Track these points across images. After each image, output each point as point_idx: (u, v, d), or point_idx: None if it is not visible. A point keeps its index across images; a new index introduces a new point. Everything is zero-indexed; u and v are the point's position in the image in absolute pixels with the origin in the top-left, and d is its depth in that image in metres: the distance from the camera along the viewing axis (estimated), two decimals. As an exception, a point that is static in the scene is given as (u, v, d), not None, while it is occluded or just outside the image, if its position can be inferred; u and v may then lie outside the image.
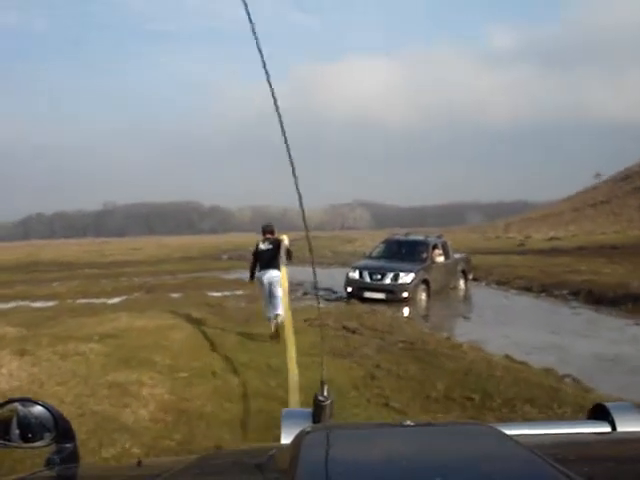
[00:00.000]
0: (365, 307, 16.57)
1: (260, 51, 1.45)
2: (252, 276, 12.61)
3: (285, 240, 11.83)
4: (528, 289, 20.53)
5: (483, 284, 23.29)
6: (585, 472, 1.09)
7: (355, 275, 19.16)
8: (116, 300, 19.92)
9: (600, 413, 1.60)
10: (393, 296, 18.24)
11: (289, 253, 11.89)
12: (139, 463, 1.56)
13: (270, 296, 11.87)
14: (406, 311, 17.20)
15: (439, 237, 21.59)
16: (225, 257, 46.13)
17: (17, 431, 1.85)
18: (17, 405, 1.89)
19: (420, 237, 21.63)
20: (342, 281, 19.51)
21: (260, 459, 1.31)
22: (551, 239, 47.75)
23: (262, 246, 12.16)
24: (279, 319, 11.66)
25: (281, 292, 11.51)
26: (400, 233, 22.94)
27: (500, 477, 1.04)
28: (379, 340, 11.56)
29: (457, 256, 21.91)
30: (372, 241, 61.16)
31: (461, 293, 21.26)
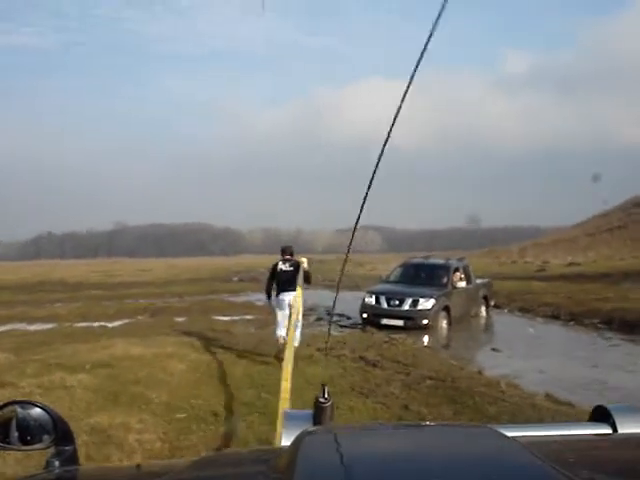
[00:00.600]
0: (383, 335, 15.38)
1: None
2: (269, 296, 12.39)
3: (304, 263, 11.64)
4: (555, 317, 19.28)
5: (505, 311, 22.04)
6: (586, 474, 1.10)
7: (371, 300, 17.98)
8: (117, 324, 18.81)
9: (601, 415, 1.56)
10: (412, 323, 17.05)
11: (308, 276, 11.56)
12: (138, 466, 1.57)
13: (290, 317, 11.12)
14: (426, 340, 16.03)
15: (460, 260, 20.40)
16: (235, 279, 45.17)
17: (16, 433, 1.83)
18: (16, 407, 1.86)
19: (440, 260, 20.45)
20: (356, 306, 18.40)
21: (260, 461, 1.33)
22: (570, 264, 46.76)
23: (282, 266, 12.05)
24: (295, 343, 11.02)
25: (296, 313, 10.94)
26: (418, 256, 21.67)
27: (500, 479, 1.03)
28: (403, 375, 10.34)
29: (479, 281, 20.68)
30: (383, 264, 61.10)
31: (483, 321, 19.99)
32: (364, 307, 18.07)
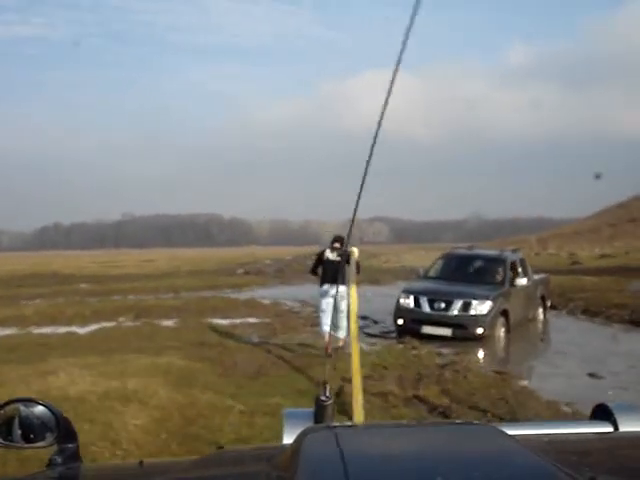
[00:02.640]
0: (431, 351, 11.62)
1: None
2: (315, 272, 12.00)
3: (355, 253, 10.15)
4: (637, 324, 15.29)
5: (564, 313, 18.11)
6: (587, 472, 1.08)
7: (409, 302, 14.04)
8: (89, 330, 15.05)
9: (602, 413, 1.55)
10: (463, 332, 13.19)
11: (359, 267, 10.15)
12: (141, 463, 1.52)
13: (335, 310, 11.37)
14: (481, 355, 12.23)
15: (515, 252, 16.47)
16: (240, 271, 41.94)
17: (19, 431, 1.80)
18: (19, 405, 1.84)
19: (493, 251, 16.51)
20: (380, 305, 14.63)
21: (262, 459, 1.32)
22: (602, 256, 43.85)
23: (329, 255, 11.53)
24: (339, 343, 11.31)
25: (345, 310, 10.65)
26: (461, 247, 17.47)
27: (501, 477, 1.03)
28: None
29: (536, 277, 16.70)
30: (396, 256, 58.51)
31: (545, 327, 16.04)
32: (400, 311, 14.14)
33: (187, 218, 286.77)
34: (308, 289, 26.16)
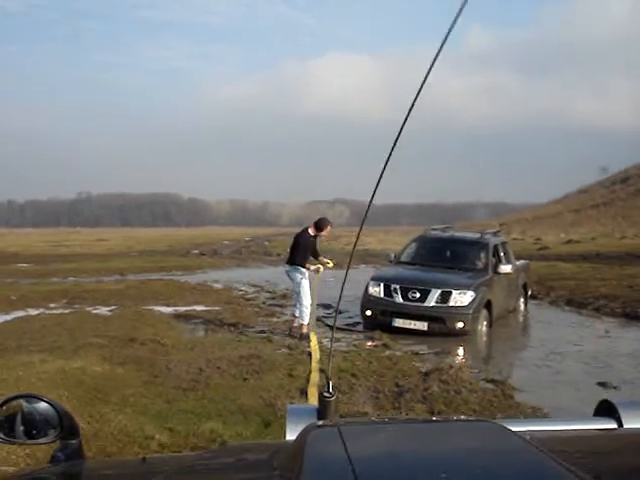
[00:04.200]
0: (406, 351, 9.82)
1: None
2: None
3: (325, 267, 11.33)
4: (632, 317, 13.55)
5: (546, 304, 16.42)
6: (591, 469, 1.08)
7: (378, 291, 12.15)
8: (9, 317, 12.95)
9: (606, 410, 1.53)
10: (441, 327, 11.39)
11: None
12: (144, 459, 1.49)
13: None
14: (460, 354, 10.45)
15: (496, 234, 14.67)
16: (195, 252, 40.04)
17: (21, 427, 1.78)
18: (22, 401, 1.82)
19: (473, 234, 14.64)
20: (344, 292, 12.66)
21: (265, 456, 1.32)
22: (569, 242, 43.31)
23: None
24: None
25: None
26: (437, 228, 15.34)
27: (505, 474, 1.03)
28: None
29: (517, 263, 14.92)
30: (357, 237, 56.63)
31: (530, 321, 14.30)
32: (368, 301, 12.25)
33: (145, 198, 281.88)
34: (265, 272, 24.45)
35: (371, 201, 1.51)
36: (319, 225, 11.32)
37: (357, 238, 1.73)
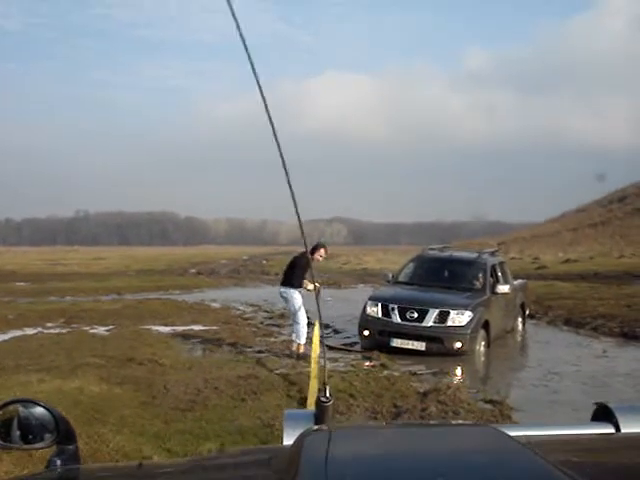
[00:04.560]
0: (404, 371, 9.82)
1: (252, 66, 1.43)
2: None
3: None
4: (630, 337, 13.59)
5: (544, 324, 16.44)
6: (588, 473, 1.09)
7: (376, 311, 12.17)
8: (4, 337, 12.93)
9: (604, 415, 1.54)
10: (439, 347, 11.41)
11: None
12: (140, 465, 1.49)
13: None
14: (459, 374, 10.45)
15: (494, 254, 14.71)
16: (193, 271, 39.99)
17: (18, 432, 1.79)
18: (18, 406, 1.83)
19: (471, 254, 14.68)
20: (342, 311, 12.84)
21: (262, 460, 1.32)
22: (567, 261, 43.61)
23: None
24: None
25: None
26: (435, 248, 15.43)
27: (502, 477, 1.03)
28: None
29: (515, 283, 14.94)
30: (356, 258, 56.96)
31: (528, 341, 14.27)
32: (366, 321, 12.27)
33: (142, 216, 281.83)
34: (263, 292, 24.43)
35: (299, 218, 1.56)
36: (312, 249, 11.35)
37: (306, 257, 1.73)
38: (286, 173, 1.51)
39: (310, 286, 11.18)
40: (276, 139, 1.47)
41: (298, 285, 11.15)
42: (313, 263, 11.63)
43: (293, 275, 11.24)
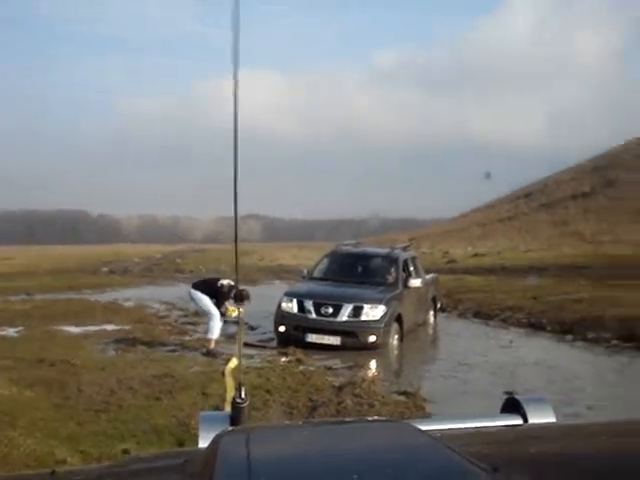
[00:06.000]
0: (319, 366, 9.97)
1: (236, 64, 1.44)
2: None
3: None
4: (537, 327, 14.15)
5: (454, 316, 16.91)
6: (498, 463, 1.10)
7: (291, 307, 12.29)
8: None
9: (512, 406, 1.56)
10: (354, 341, 11.60)
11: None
12: (53, 473, 1.38)
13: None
14: (373, 368, 10.67)
15: (406, 249, 15.02)
16: (105, 270, 39.05)
17: None
18: None
19: (383, 249, 14.94)
20: (258, 308, 12.87)
21: (177, 464, 1.30)
22: (475, 255, 44.28)
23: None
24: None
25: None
26: (348, 244, 15.69)
27: (414, 471, 1.05)
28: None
29: (427, 277, 15.31)
30: (271, 254, 56.98)
31: (439, 334, 14.68)
32: (281, 317, 12.36)
33: (52, 214, 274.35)
34: (178, 290, 24.15)
35: (236, 215, 1.56)
36: (227, 293, 11.37)
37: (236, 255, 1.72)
38: (235, 184, 1.50)
39: (235, 313, 11.22)
40: (235, 141, 1.46)
41: (218, 309, 11.35)
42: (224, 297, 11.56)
43: (213, 297, 11.46)
